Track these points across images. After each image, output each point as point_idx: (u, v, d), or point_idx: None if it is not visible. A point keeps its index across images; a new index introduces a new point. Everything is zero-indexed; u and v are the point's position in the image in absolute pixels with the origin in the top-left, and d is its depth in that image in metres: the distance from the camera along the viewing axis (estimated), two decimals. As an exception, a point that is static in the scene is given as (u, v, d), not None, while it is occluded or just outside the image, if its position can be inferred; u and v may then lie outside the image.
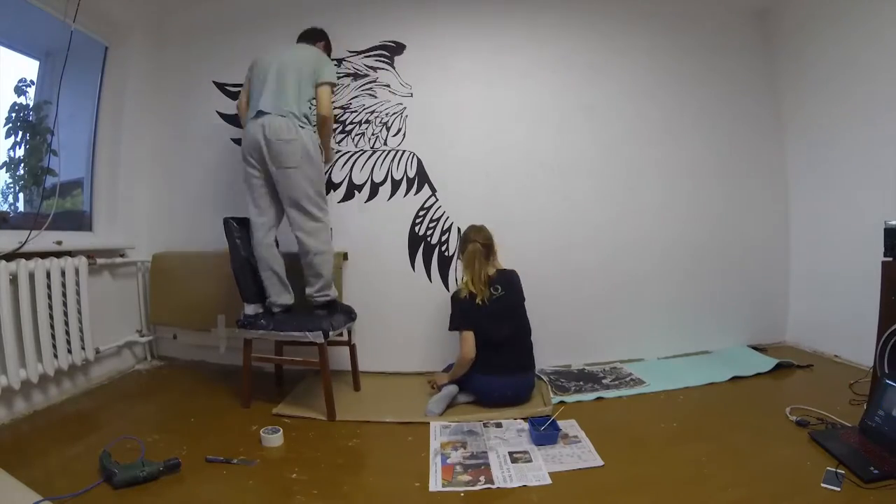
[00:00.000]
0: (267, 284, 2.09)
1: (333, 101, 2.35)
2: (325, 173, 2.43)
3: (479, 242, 2.12)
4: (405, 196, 2.58)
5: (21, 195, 2.29)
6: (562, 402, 2.07)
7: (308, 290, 2.11)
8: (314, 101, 2.11)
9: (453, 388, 2.07)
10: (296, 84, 2.04)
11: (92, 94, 2.53)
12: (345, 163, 2.58)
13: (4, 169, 2.19)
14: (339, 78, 2.58)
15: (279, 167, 1.99)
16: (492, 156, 2.58)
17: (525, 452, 1.63)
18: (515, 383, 2.05)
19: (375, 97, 2.58)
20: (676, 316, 2.72)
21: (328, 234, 2.14)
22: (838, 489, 1.31)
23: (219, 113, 2.68)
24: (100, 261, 2.35)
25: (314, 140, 2.08)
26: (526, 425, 1.80)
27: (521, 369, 2.08)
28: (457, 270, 2.57)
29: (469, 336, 2.04)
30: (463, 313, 2.08)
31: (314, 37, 2.35)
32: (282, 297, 2.11)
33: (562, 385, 2.27)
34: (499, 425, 1.86)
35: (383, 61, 2.59)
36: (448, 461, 1.58)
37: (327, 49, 2.40)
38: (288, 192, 2.02)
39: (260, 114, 2.00)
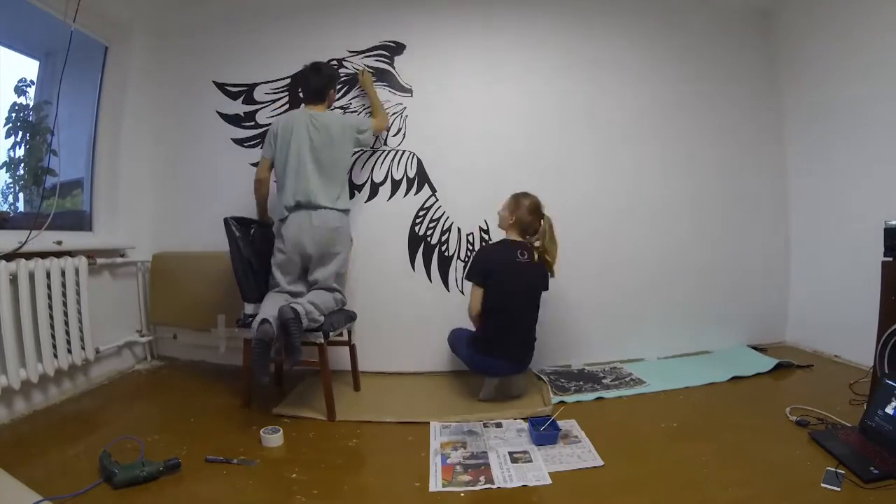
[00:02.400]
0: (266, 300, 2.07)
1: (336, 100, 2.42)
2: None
3: (546, 216, 2.14)
4: (405, 196, 2.58)
5: (21, 195, 2.29)
6: (562, 402, 2.07)
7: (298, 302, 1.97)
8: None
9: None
10: (330, 173, 2.10)
11: (92, 94, 2.52)
12: (345, 163, 2.58)
13: (4, 169, 2.19)
14: (339, 80, 2.59)
15: (322, 252, 2.06)
16: (492, 155, 2.58)
17: (525, 452, 1.63)
18: (514, 366, 2.08)
19: (333, 97, 2.55)
20: (676, 316, 2.72)
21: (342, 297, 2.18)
22: (838, 489, 1.31)
23: (219, 113, 2.68)
24: (100, 261, 2.35)
25: (346, 227, 2.18)
26: (526, 425, 1.80)
27: (524, 350, 2.09)
28: (457, 270, 2.58)
29: (477, 293, 2.08)
30: (482, 268, 2.09)
31: (321, 91, 2.20)
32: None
33: (562, 385, 2.27)
34: (499, 425, 1.86)
35: (383, 61, 2.59)
36: (448, 461, 1.58)
37: (333, 87, 2.28)
38: (320, 271, 2.07)
39: (300, 205, 2.05)
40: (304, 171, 2.06)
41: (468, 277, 2.15)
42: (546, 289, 2.16)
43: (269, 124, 2.61)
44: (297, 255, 2.06)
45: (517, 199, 2.17)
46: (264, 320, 1.81)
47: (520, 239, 2.14)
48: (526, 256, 2.08)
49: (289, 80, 2.62)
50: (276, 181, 2.20)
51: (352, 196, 2.58)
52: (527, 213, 2.12)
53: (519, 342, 2.06)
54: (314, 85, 2.19)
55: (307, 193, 2.05)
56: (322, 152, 2.08)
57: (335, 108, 2.50)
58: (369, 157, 2.58)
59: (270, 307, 1.90)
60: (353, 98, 2.59)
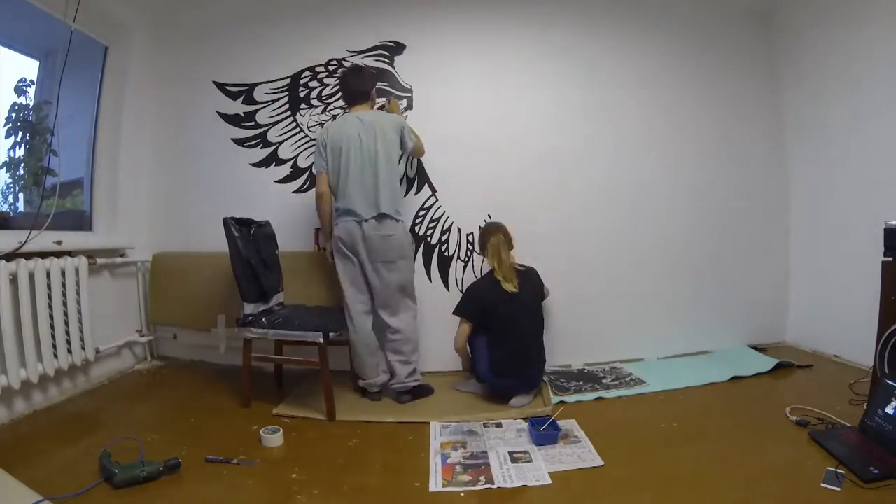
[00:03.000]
0: (363, 364, 2.13)
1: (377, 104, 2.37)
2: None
3: (501, 234, 2.18)
4: (405, 196, 2.57)
5: (21, 195, 2.29)
6: (562, 402, 2.07)
7: (398, 381, 2.11)
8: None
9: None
10: (387, 174, 2.06)
11: (92, 94, 2.52)
12: (345, 163, 2.57)
13: (4, 169, 2.19)
14: (339, 80, 2.59)
15: (380, 261, 2.05)
16: (492, 155, 2.58)
17: (525, 452, 1.63)
18: (523, 384, 2.07)
19: (375, 97, 2.57)
20: (676, 316, 2.72)
21: (415, 319, 2.19)
22: (838, 489, 1.32)
23: (218, 113, 2.68)
24: (100, 261, 2.35)
25: (407, 232, 2.18)
26: (526, 425, 1.80)
27: (531, 369, 2.08)
28: (457, 270, 2.58)
29: (464, 328, 2.12)
30: (469, 304, 2.14)
31: (364, 91, 2.17)
32: (379, 378, 2.15)
33: (562, 385, 2.27)
34: (499, 425, 1.86)
35: (383, 61, 2.59)
36: (448, 461, 1.58)
37: (375, 97, 2.29)
38: (384, 283, 2.07)
39: (354, 213, 2.04)
40: (362, 178, 2.03)
41: (456, 312, 2.15)
42: (543, 296, 2.19)
43: (269, 124, 2.64)
44: (362, 264, 2.07)
45: (483, 243, 2.25)
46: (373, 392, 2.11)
47: (506, 260, 2.16)
48: (520, 288, 2.09)
49: (289, 80, 2.62)
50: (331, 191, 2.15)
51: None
52: (493, 246, 2.16)
53: (527, 365, 2.06)
54: (356, 82, 2.16)
55: (361, 203, 2.03)
56: (377, 153, 2.04)
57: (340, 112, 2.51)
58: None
59: (370, 370, 2.12)
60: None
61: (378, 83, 2.37)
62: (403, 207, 2.17)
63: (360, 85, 2.16)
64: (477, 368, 2.14)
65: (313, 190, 2.60)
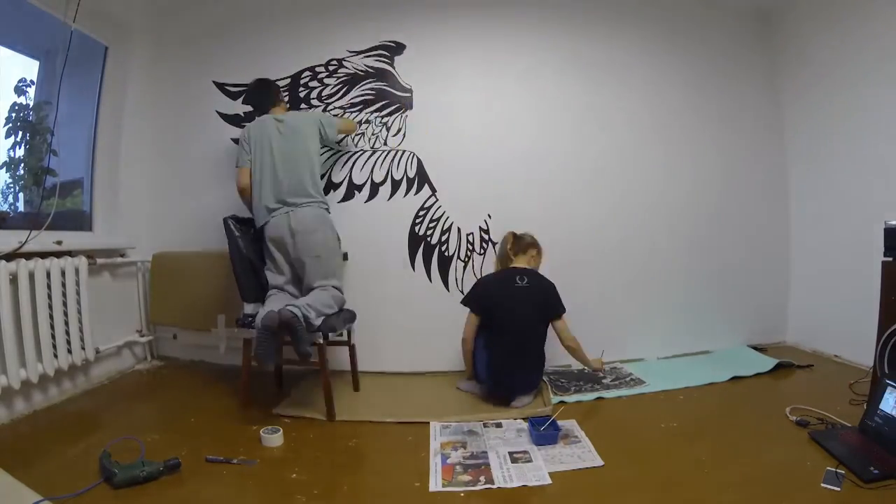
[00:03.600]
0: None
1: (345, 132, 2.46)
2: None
3: (513, 233, 2.30)
4: (405, 196, 2.58)
5: (21, 195, 2.29)
6: (562, 402, 2.07)
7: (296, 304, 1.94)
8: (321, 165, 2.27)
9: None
10: (308, 165, 2.14)
11: (92, 94, 2.52)
12: (345, 163, 2.58)
13: (4, 169, 2.19)
14: (339, 80, 2.59)
15: (305, 256, 2.06)
16: (492, 155, 2.58)
17: (525, 452, 1.63)
18: (520, 386, 2.07)
19: (375, 97, 2.58)
20: (676, 316, 2.72)
21: (340, 294, 2.15)
22: (838, 489, 1.32)
23: (219, 113, 2.68)
24: (100, 261, 2.35)
25: (331, 223, 2.18)
26: (526, 425, 1.80)
27: (528, 372, 2.08)
28: (457, 270, 2.58)
29: (472, 319, 2.12)
30: (477, 295, 2.16)
31: (273, 97, 2.31)
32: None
33: (562, 385, 2.27)
34: (499, 425, 1.86)
35: (383, 61, 2.59)
36: (448, 461, 1.58)
37: (285, 101, 2.43)
38: (311, 274, 2.07)
39: (280, 205, 2.08)
40: (276, 172, 2.10)
41: (464, 302, 2.18)
42: (558, 311, 2.14)
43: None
44: (283, 257, 2.09)
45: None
46: (269, 311, 1.83)
47: (521, 265, 2.19)
48: (525, 281, 2.10)
49: (289, 80, 2.62)
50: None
51: (351, 196, 2.58)
52: (502, 240, 2.27)
53: (524, 366, 2.05)
54: (264, 92, 2.32)
55: (281, 193, 2.09)
56: (290, 149, 2.12)
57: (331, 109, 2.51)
58: (369, 157, 2.58)
59: (274, 304, 1.93)
60: (354, 98, 2.59)
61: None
62: (321, 200, 2.18)
63: (267, 94, 2.31)
64: (476, 367, 2.14)
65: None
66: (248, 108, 2.65)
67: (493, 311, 2.08)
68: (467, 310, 2.15)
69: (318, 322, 1.91)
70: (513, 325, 2.05)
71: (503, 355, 2.03)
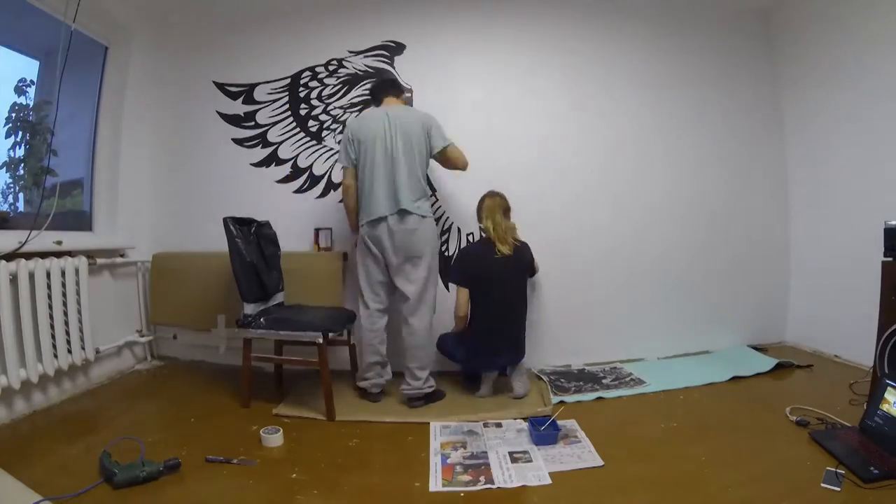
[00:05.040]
0: (365, 363, 2.13)
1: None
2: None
3: (496, 198, 2.20)
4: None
5: (21, 195, 2.29)
6: (562, 402, 2.07)
7: (410, 384, 2.06)
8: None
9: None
10: (420, 164, 2.05)
11: (92, 94, 2.52)
12: (345, 163, 2.57)
13: (4, 169, 2.19)
14: (339, 79, 2.59)
15: (407, 256, 2.04)
16: (492, 155, 2.57)
17: (525, 452, 1.63)
18: (507, 358, 2.13)
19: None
20: (676, 316, 2.72)
21: (432, 326, 2.14)
22: (838, 489, 1.32)
23: (219, 113, 2.68)
24: (100, 261, 2.35)
25: (435, 230, 2.14)
26: (526, 425, 1.80)
27: (513, 344, 2.13)
28: (457, 270, 2.57)
29: (462, 293, 2.13)
30: (462, 269, 2.18)
31: (396, 89, 2.19)
32: (383, 377, 2.15)
33: (562, 385, 2.27)
34: (499, 425, 1.86)
35: (383, 61, 2.59)
36: (448, 461, 1.58)
37: (410, 100, 2.32)
38: (407, 280, 2.05)
39: (377, 210, 2.01)
40: (387, 171, 2.00)
41: (450, 279, 2.20)
42: (532, 274, 2.22)
43: (269, 124, 2.64)
44: (377, 260, 2.06)
45: (479, 206, 2.26)
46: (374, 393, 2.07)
47: (502, 222, 2.19)
48: (510, 246, 2.13)
49: (289, 80, 2.63)
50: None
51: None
52: (489, 207, 2.19)
53: (506, 336, 2.11)
54: (389, 84, 2.20)
55: (389, 200, 2.00)
56: (403, 147, 2.00)
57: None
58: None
59: (372, 371, 2.09)
60: (354, 97, 2.59)
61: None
62: (428, 204, 2.11)
63: (391, 85, 2.20)
64: (449, 346, 2.21)
65: (313, 189, 2.63)
66: (248, 108, 2.66)
67: (476, 282, 2.11)
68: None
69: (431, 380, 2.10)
70: (497, 297, 2.10)
71: (486, 326, 2.10)
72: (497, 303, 2.10)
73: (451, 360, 2.25)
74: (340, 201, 2.33)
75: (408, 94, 2.42)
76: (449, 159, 2.13)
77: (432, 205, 2.56)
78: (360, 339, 2.14)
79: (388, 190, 2.00)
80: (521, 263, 2.17)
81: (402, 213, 2.01)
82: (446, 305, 2.28)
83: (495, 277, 2.09)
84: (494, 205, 2.18)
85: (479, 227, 2.24)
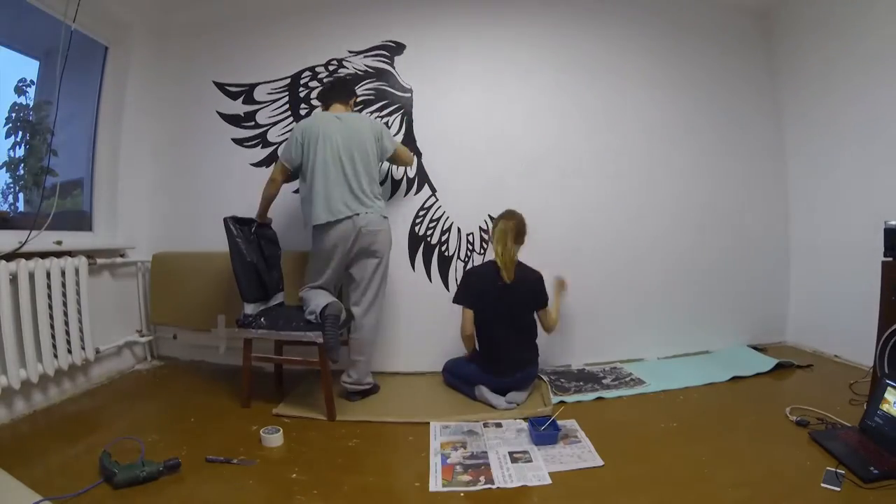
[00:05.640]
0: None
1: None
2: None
3: (511, 222, 2.16)
4: (405, 196, 2.58)
5: (21, 195, 2.29)
6: (562, 402, 2.07)
7: (351, 376, 2.13)
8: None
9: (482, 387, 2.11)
10: (371, 169, 2.09)
11: (92, 94, 2.52)
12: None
13: (4, 169, 2.19)
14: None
15: (366, 256, 2.08)
16: (492, 155, 2.58)
17: (525, 452, 1.63)
18: (514, 381, 2.08)
19: (375, 97, 2.58)
20: (676, 316, 2.72)
21: (379, 323, 2.19)
22: (838, 489, 1.32)
23: (219, 113, 2.68)
24: (100, 261, 2.35)
25: (389, 231, 2.17)
26: (526, 425, 1.80)
27: (521, 367, 2.09)
28: (457, 270, 2.58)
29: (467, 314, 2.12)
30: (467, 291, 2.15)
31: (345, 92, 2.23)
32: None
33: (562, 385, 2.27)
34: (499, 425, 1.86)
35: (383, 61, 2.59)
36: (448, 461, 1.58)
37: (356, 102, 2.33)
38: (364, 275, 2.09)
39: (335, 211, 2.01)
40: (340, 174, 2.03)
41: (455, 300, 2.18)
42: (543, 305, 2.16)
43: (269, 124, 2.64)
44: (334, 263, 2.07)
45: (494, 221, 2.24)
46: (331, 301, 1.96)
47: (512, 248, 2.15)
48: (512, 274, 2.09)
49: (289, 80, 2.62)
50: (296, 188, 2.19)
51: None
52: (500, 231, 2.15)
53: (509, 362, 2.06)
54: (338, 87, 2.25)
55: (347, 196, 2.03)
56: (355, 152, 2.04)
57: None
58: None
59: (326, 298, 2.02)
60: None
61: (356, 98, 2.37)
62: (385, 205, 2.18)
63: (342, 88, 2.24)
64: (464, 371, 2.18)
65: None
66: (248, 108, 2.66)
67: (480, 304, 2.10)
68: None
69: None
70: (495, 325, 2.08)
71: (491, 351, 2.08)
72: (499, 327, 2.07)
73: (461, 383, 2.19)
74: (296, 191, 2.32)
75: (359, 102, 2.45)
76: (399, 158, 2.29)
77: (433, 204, 2.58)
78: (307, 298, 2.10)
79: (348, 192, 2.03)
80: (527, 292, 2.11)
81: (366, 213, 2.04)
82: (454, 323, 2.25)
83: (498, 301, 2.06)
84: (507, 229, 2.13)
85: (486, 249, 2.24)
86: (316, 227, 2.05)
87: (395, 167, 2.54)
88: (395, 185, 2.58)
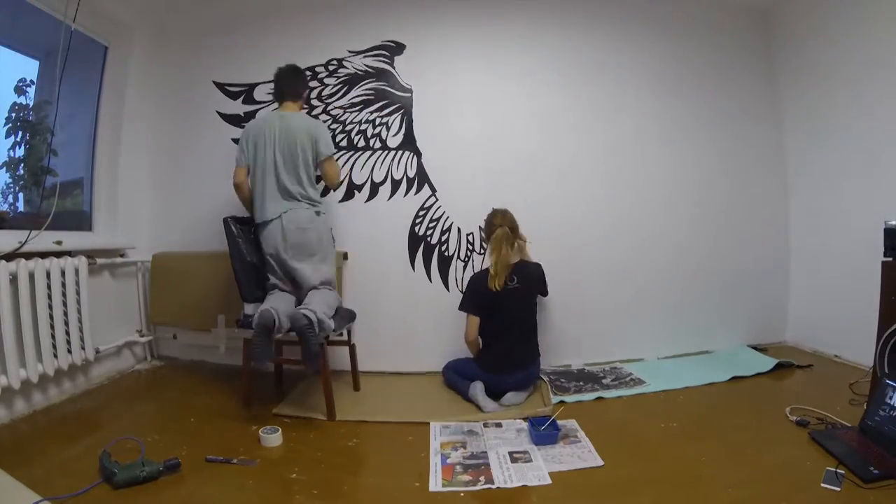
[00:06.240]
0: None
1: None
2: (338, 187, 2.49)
3: (506, 227, 2.14)
4: (405, 196, 2.58)
5: (21, 195, 2.29)
6: (562, 402, 2.07)
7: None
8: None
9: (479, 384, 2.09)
10: (304, 168, 2.07)
11: (92, 94, 2.52)
12: (345, 163, 2.58)
13: (4, 169, 2.19)
14: (339, 79, 2.59)
15: (299, 257, 2.03)
16: (492, 155, 2.58)
17: (525, 452, 1.63)
18: (516, 381, 2.08)
19: (375, 97, 2.58)
20: (676, 316, 2.72)
21: (337, 296, 2.13)
22: (838, 489, 1.31)
23: (219, 113, 2.68)
24: (100, 261, 2.35)
25: (325, 222, 2.13)
26: (526, 425, 1.80)
27: (523, 367, 2.09)
28: (457, 270, 2.58)
29: (472, 321, 2.12)
30: (472, 297, 2.15)
31: (294, 91, 2.21)
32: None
33: (562, 385, 2.27)
34: (499, 425, 1.86)
35: (383, 61, 2.59)
36: (448, 461, 1.58)
37: (307, 99, 2.31)
38: (306, 277, 2.04)
39: (275, 206, 2.02)
40: (273, 173, 2.05)
41: (461, 308, 2.18)
42: (542, 293, 2.20)
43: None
44: (278, 259, 2.06)
45: (488, 232, 2.22)
46: (265, 310, 1.82)
47: (512, 261, 2.16)
48: (516, 281, 2.10)
49: (289, 80, 2.62)
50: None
51: (351, 196, 2.58)
52: (497, 238, 2.12)
53: (512, 362, 2.08)
54: (288, 78, 2.21)
55: (277, 193, 2.04)
56: (287, 151, 2.05)
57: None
58: (369, 157, 2.58)
59: (276, 303, 1.93)
60: (354, 97, 2.58)
61: (308, 99, 2.34)
62: (322, 205, 2.14)
63: (292, 85, 2.20)
64: (465, 372, 2.19)
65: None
66: (248, 108, 2.66)
67: (489, 313, 2.10)
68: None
69: (332, 325, 1.93)
70: (503, 326, 2.09)
71: (494, 353, 2.09)
72: (505, 329, 2.09)
73: (459, 379, 2.18)
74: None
75: (305, 102, 2.40)
76: (324, 171, 2.16)
77: (433, 204, 2.58)
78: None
79: (278, 190, 2.04)
80: (525, 289, 2.12)
81: (292, 210, 2.02)
82: (454, 323, 2.27)
83: (504, 304, 2.07)
84: (502, 235, 2.11)
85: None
86: (257, 229, 2.08)
87: (396, 168, 2.54)
88: (395, 184, 2.58)
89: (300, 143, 2.06)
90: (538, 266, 2.23)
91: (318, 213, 2.09)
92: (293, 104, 2.19)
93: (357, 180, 2.58)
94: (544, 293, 2.26)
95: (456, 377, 2.21)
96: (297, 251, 2.04)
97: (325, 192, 2.42)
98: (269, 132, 2.07)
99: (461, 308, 2.18)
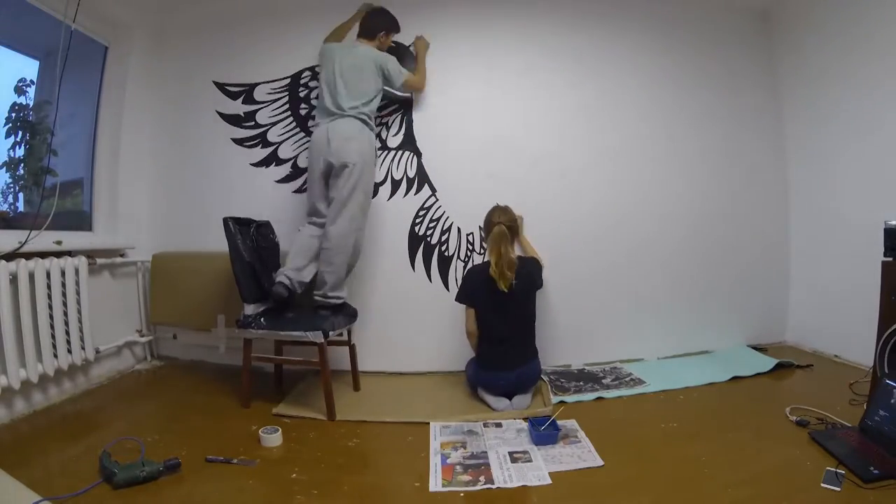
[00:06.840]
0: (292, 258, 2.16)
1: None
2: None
3: (504, 224, 2.13)
4: (405, 196, 2.58)
5: (21, 195, 2.29)
6: (562, 402, 2.07)
7: (319, 290, 2.13)
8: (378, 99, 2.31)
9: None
10: (363, 93, 2.21)
11: (92, 94, 2.52)
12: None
13: (4, 169, 2.19)
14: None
15: (340, 168, 2.11)
16: (492, 155, 2.58)
17: (525, 452, 1.63)
18: (517, 377, 2.05)
19: (383, 39, 2.53)
20: (677, 316, 2.71)
21: (358, 236, 2.18)
22: (838, 489, 1.31)
23: (219, 113, 2.68)
24: (100, 261, 2.35)
25: (373, 142, 2.26)
26: (526, 425, 1.80)
27: (522, 363, 2.08)
28: (457, 270, 2.58)
29: (469, 312, 2.12)
30: (468, 290, 2.15)
31: (368, 27, 2.37)
32: (304, 271, 2.15)
33: (562, 385, 2.27)
34: (499, 425, 1.86)
35: (383, 61, 2.58)
36: (448, 461, 1.58)
37: (386, 35, 2.41)
38: (339, 189, 2.11)
39: (327, 114, 2.19)
40: (332, 87, 2.19)
41: (457, 299, 2.18)
42: (537, 287, 2.18)
43: (269, 124, 2.65)
44: (318, 168, 2.15)
45: (487, 230, 2.22)
46: (279, 283, 2.06)
47: (507, 255, 2.12)
48: (514, 280, 2.07)
49: (289, 80, 2.63)
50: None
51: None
52: (496, 236, 2.10)
53: (511, 357, 2.05)
54: (370, 22, 2.38)
55: (331, 105, 2.17)
56: (349, 74, 2.20)
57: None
58: (369, 157, 2.58)
59: (294, 259, 2.13)
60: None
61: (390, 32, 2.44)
62: (372, 122, 2.27)
63: (369, 22, 2.38)
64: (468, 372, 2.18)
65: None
66: (248, 108, 2.66)
67: (483, 310, 2.09)
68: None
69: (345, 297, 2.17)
70: (495, 324, 2.07)
71: (492, 351, 2.07)
72: (501, 322, 2.07)
73: (469, 385, 2.21)
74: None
75: (384, 38, 2.44)
76: (411, 88, 2.46)
77: (433, 204, 2.58)
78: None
79: (332, 103, 2.18)
80: (523, 285, 2.09)
81: (338, 120, 2.15)
82: (454, 323, 2.28)
83: (500, 297, 2.04)
84: (501, 233, 2.09)
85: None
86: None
87: (396, 168, 2.54)
88: (395, 184, 2.58)
89: (364, 69, 2.23)
90: (535, 261, 2.23)
91: (365, 123, 2.19)
92: (367, 40, 2.35)
93: (357, 180, 2.57)
94: (539, 286, 2.23)
95: (471, 373, 2.20)
96: (337, 163, 2.11)
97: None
98: (339, 55, 2.26)
99: (457, 299, 2.18)
